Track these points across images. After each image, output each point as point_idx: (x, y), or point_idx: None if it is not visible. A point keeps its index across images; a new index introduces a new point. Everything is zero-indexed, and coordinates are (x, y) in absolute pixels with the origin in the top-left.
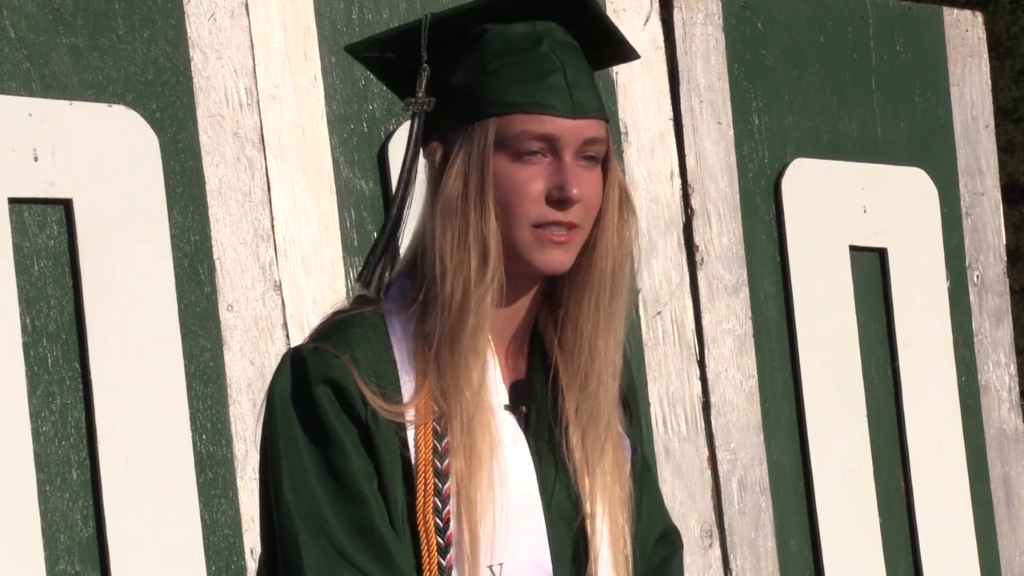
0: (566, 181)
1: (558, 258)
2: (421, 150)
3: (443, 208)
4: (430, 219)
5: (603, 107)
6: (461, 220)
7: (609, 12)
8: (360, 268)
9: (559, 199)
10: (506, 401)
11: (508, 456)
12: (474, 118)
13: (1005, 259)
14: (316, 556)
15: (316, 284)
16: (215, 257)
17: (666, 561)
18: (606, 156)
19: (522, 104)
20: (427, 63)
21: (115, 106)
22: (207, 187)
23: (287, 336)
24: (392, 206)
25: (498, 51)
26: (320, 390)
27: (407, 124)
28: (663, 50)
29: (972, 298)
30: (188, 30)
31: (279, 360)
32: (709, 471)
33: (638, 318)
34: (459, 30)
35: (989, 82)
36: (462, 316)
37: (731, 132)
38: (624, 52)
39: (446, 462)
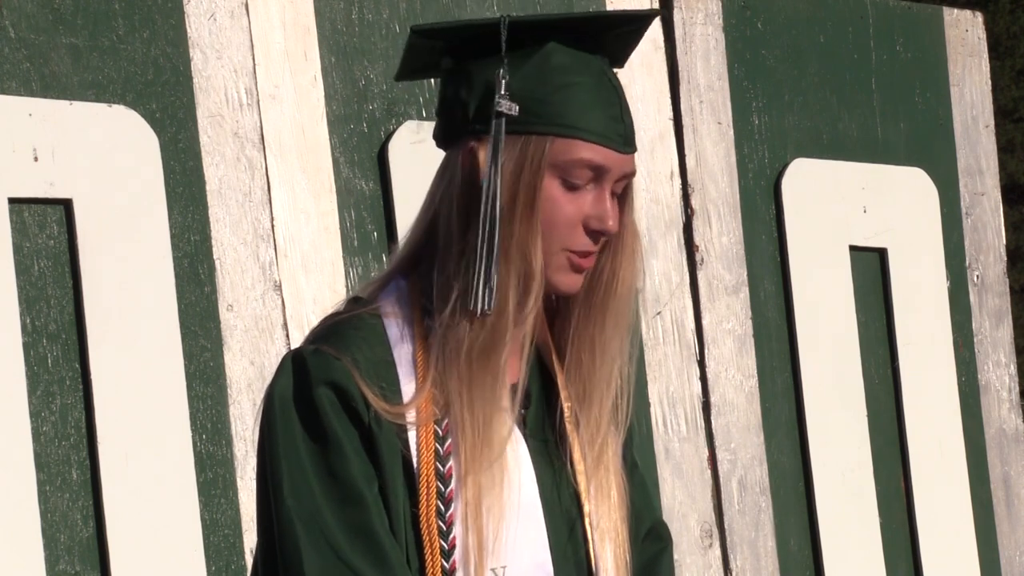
0: (607, 215)
1: (576, 281)
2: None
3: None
4: (460, 223)
5: None
6: (507, 236)
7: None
8: (476, 298)
9: (598, 230)
10: (506, 404)
11: (509, 458)
12: (532, 131)
13: (1005, 259)
14: (316, 560)
15: (316, 284)
16: (215, 257)
17: (656, 557)
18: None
19: (586, 131)
20: (506, 66)
21: (115, 106)
22: (207, 187)
23: (287, 336)
24: (485, 219)
25: (560, 68)
26: (322, 392)
27: (407, 124)
28: (663, 50)
29: (972, 298)
30: (188, 30)
31: (279, 361)
32: (709, 471)
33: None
34: (520, 38)
35: (989, 82)
36: (499, 330)
37: (731, 132)
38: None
39: (448, 465)
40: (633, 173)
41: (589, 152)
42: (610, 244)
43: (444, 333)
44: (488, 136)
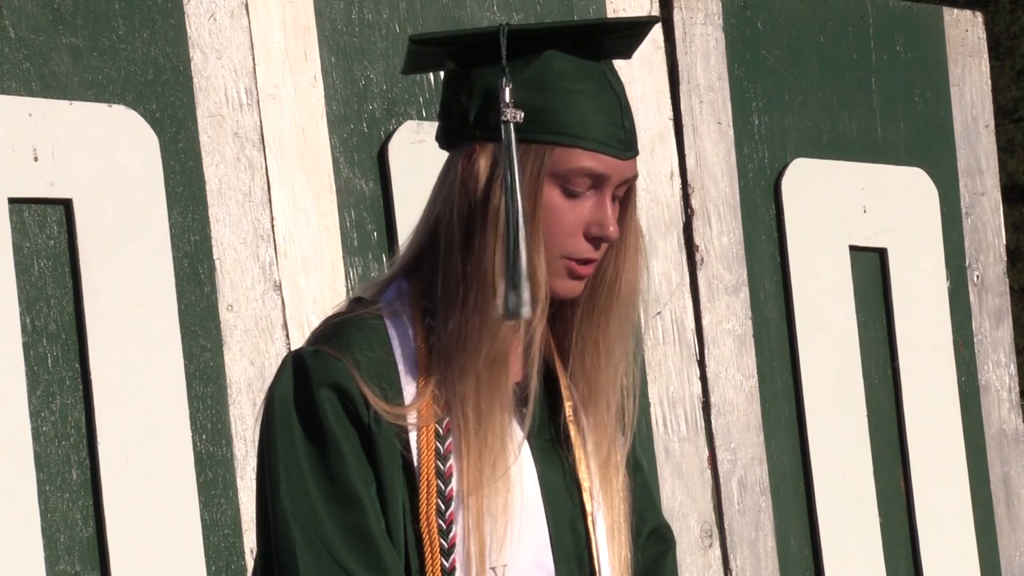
0: (607, 220)
1: (575, 287)
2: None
3: (491, 224)
4: (461, 227)
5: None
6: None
7: (609, 12)
8: (505, 305)
9: (598, 236)
10: (510, 405)
11: (511, 457)
12: (532, 139)
13: (1005, 259)
14: (311, 562)
15: (316, 284)
16: (215, 257)
17: (659, 559)
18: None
19: (586, 139)
20: (508, 75)
21: (115, 106)
22: (207, 187)
23: (287, 336)
24: (509, 228)
25: (560, 74)
26: (323, 394)
27: (407, 124)
28: (663, 50)
29: (972, 298)
30: (188, 30)
31: (279, 362)
32: (709, 471)
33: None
34: (520, 45)
35: (989, 82)
36: (509, 338)
37: (731, 132)
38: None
39: (448, 464)
40: (635, 177)
41: (589, 160)
42: (613, 245)
43: (453, 338)
44: (489, 142)
